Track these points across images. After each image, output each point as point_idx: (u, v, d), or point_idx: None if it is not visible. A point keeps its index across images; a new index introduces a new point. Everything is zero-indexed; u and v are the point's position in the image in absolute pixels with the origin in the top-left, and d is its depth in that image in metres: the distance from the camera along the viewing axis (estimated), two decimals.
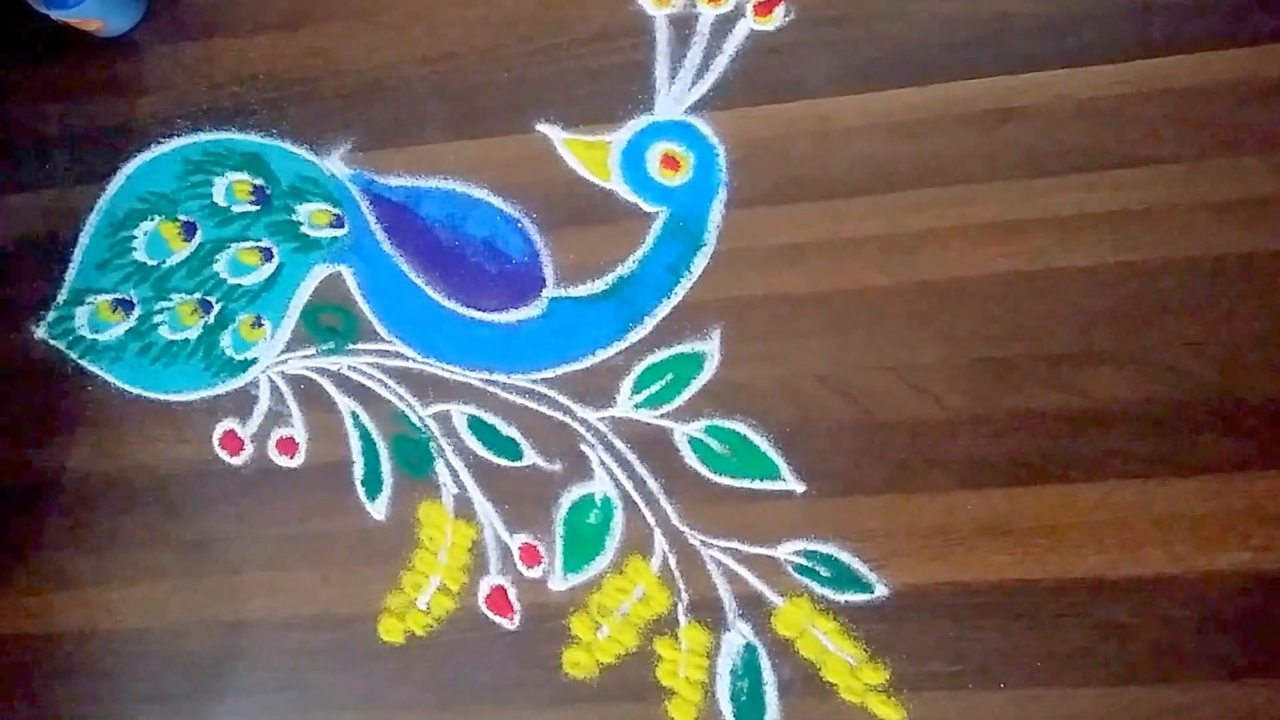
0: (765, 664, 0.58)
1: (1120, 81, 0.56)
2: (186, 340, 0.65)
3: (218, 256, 0.65)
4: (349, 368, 0.63)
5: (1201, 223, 0.55)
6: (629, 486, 0.60)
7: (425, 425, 0.62)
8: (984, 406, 0.56)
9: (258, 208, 0.64)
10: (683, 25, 0.60)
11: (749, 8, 0.59)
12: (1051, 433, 0.56)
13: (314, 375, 0.63)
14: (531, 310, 0.61)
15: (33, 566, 0.65)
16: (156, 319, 0.65)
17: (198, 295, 0.65)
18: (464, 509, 0.61)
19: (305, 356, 0.64)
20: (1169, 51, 0.55)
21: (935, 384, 0.57)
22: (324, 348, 0.63)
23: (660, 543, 0.59)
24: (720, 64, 0.60)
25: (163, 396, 0.65)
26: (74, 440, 0.66)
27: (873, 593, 0.57)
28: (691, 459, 0.59)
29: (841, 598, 0.57)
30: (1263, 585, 0.54)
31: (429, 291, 0.62)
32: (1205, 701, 0.54)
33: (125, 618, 0.64)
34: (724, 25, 0.59)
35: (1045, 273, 0.56)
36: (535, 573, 0.61)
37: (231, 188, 0.65)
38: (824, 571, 0.57)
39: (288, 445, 0.63)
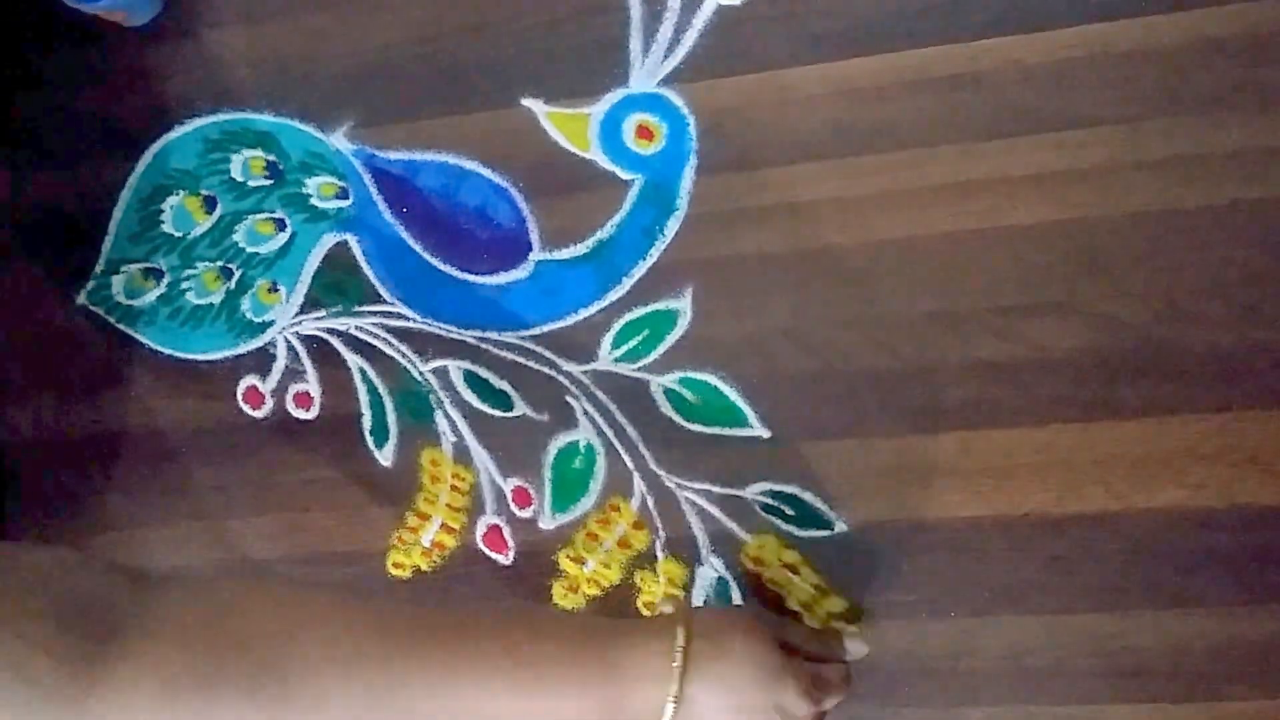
0: (736, 595, 0.63)
1: (1065, 47, 0.58)
2: (211, 305, 0.71)
3: (236, 227, 0.70)
4: (356, 328, 0.69)
5: (1141, 180, 0.57)
6: (610, 434, 0.65)
7: (426, 380, 0.67)
8: (935, 356, 0.60)
9: (271, 182, 0.70)
10: (654, 2, 0.63)
11: None
12: (998, 380, 0.59)
13: (325, 335, 0.69)
14: (519, 273, 0.66)
15: (81, 511, 0.72)
16: (184, 286, 0.71)
17: (220, 263, 0.71)
18: (462, 455, 0.67)
19: (317, 318, 0.69)
20: (1112, 17, 0.57)
21: (890, 336, 0.61)
22: (333, 310, 0.69)
23: (639, 485, 0.64)
24: (690, 38, 0.63)
25: (191, 356, 0.71)
26: (115, 397, 0.73)
27: (833, 529, 0.62)
28: (667, 408, 0.64)
29: (804, 534, 0.62)
30: (1197, 520, 0.57)
31: (427, 257, 0.67)
32: (1141, 629, 0.58)
33: (165, 556, 0.71)
34: (693, 1, 0.63)
35: (994, 230, 0.59)
36: (527, 513, 0.66)
37: (247, 164, 0.70)
38: (788, 510, 0.62)
39: (303, 399, 0.70)
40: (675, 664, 0.45)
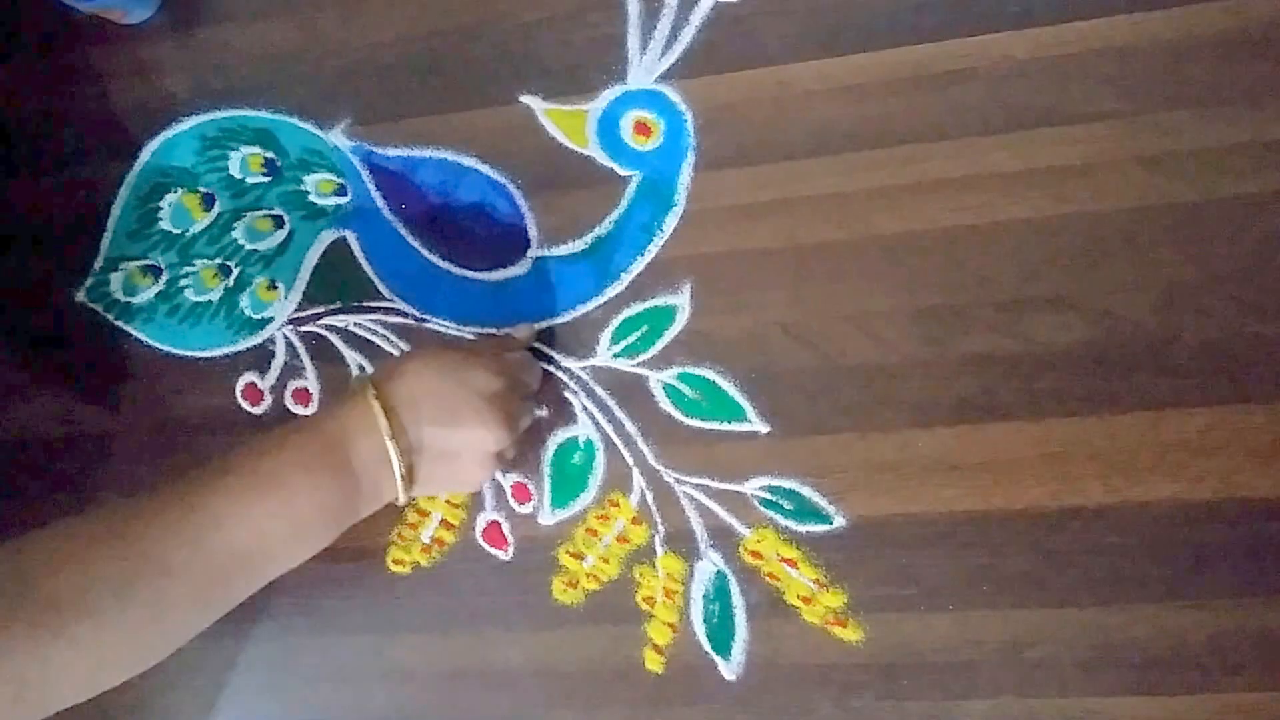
0: (734, 589, 0.63)
1: (1060, 43, 0.58)
2: (209, 302, 0.71)
3: (235, 225, 0.70)
4: (355, 325, 0.69)
5: (1136, 175, 0.58)
6: (609, 430, 0.65)
7: None
8: (933, 351, 0.60)
9: (269, 179, 0.70)
10: None
11: None
12: (996, 374, 0.60)
13: (324, 332, 0.69)
14: (518, 269, 0.66)
15: (80, 509, 0.72)
16: (182, 283, 0.71)
17: (218, 260, 0.71)
18: None
19: (315, 315, 0.69)
20: (1106, 13, 0.58)
21: (888, 330, 0.61)
22: (332, 307, 0.69)
23: (638, 480, 0.64)
24: (687, 35, 0.63)
25: (190, 353, 0.71)
26: (113, 394, 0.72)
27: (831, 524, 0.62)
28: (665, 403, 0.64)
29: (803, 528, 0.62)
30: (1193, 514, 0.57)
31: (425, 253, 0.67)
32: (1137, 622, 0.58)
33: None
34: None
35: (990, 225, 0.60)
36: (526, 509, 0.66)
37: (245, 161, 0.70)
38: (787, 505, 0.62)
39: (302, 395, 0.70)
40: (374, 406, 0.53)
